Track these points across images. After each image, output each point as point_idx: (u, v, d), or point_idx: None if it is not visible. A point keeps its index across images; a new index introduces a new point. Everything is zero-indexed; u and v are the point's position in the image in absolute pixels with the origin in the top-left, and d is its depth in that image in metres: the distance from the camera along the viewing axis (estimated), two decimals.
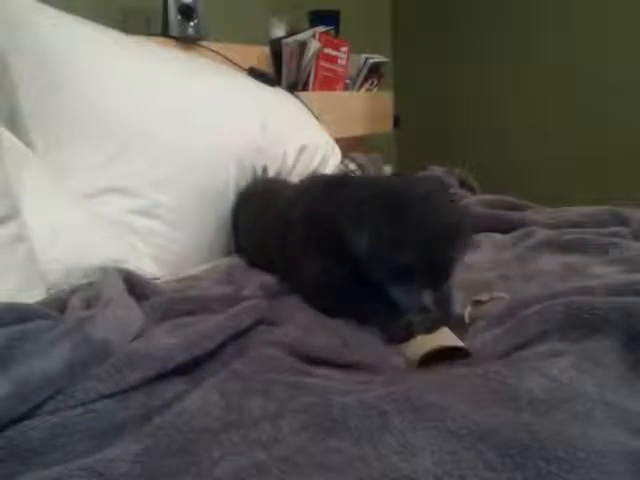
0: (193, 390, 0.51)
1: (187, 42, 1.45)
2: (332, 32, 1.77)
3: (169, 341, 0.57)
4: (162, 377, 0.53)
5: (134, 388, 0.51)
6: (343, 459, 0.41)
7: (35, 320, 0.58)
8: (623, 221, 1.03)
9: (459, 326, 0.67)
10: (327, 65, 1.74)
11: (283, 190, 1.05)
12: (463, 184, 1.46)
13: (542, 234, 1.01)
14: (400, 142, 2.64)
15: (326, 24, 1.75)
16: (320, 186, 0.83)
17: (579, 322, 0.59)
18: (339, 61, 1.77)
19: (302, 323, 0.70)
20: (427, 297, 0.66)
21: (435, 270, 0.66)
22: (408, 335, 0.64)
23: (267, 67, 1.67)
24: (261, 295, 0.77)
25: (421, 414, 0.44)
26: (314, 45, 1.67)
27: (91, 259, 0.81)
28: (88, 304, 0.66)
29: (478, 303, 0.74)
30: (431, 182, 0.72)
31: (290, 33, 1.72)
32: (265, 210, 0.98)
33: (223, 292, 0.78)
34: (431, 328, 0.64)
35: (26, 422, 0.46)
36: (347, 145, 1.58)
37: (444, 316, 0.67)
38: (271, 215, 0.94)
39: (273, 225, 0.92)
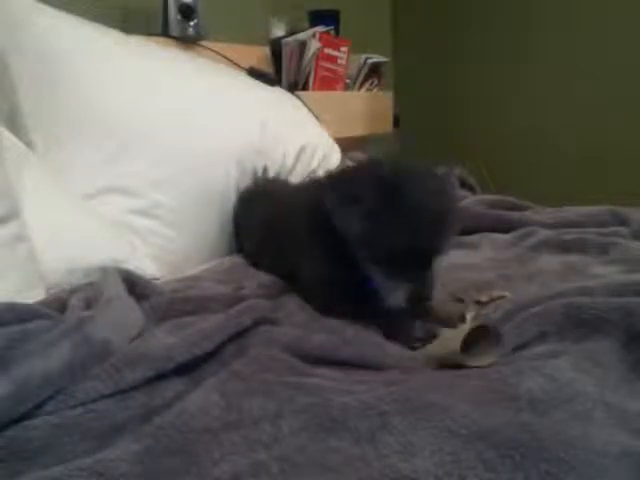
0: (193, 390, 0.51)
1: (187, 42, 1.45)
2: (332, 32, 1.77)
3: (169, 341, 0.57)
4: (162, 377, 0.53)
5: (134, 388, 0.51)
6: (343, 459, 0.41)
7: (35, 320, 0.58)
8: (623, 221, 1.03)
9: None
10: (327, 65, 1.74)
11: (284, 190, 1.05)
12: (463, 184, 1.46)
13: (542, 234, 1.01)
14: (400, 142, 2.64)
15: (326, 24, 1.74)
16: (318, 184, 0.83)
17: (579, 322, 0.59)
18: (339, 61, 1.77)
19: (302, 323, 0.70)
20: (400, 295, 0.67)
21: (418, 258, 0.66)
22: (409, 341, 0.65)
23: (267, 67, 1.67)
24: (261, 295, 0.77)
25: (421, 414, 0.44)
26: (314, 45, 1.67)
27: (91, 259, 0.81)
28: (88, 304, 0.66)
29: (479, 304, 0.74)
30: (424, 168, 0.72)
31: (290, 33, 1.72)
32: (266, 210, 0.98)
33: (223, 292, 0.78)
34: (431, 332, 0.65)
35: (26, 422, 0.46)
36: (347, 145, 1.58)
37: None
38: (272, 215, 0.95)
39: (274, 225, 0.92)
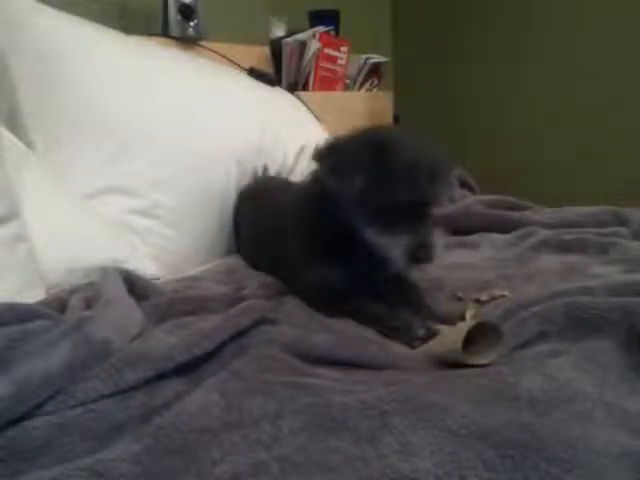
0: (193, 390, 0.51)
1: (187, 42, 1.45)
2: (332, 32, 1.77)
3: (169, 341, 0.57)
4: (162, 377, 0.53)
5: (134, 388, 0.51)
6: (343, 459, 0.41)
7: (35, 320, 0.58)
8: (623, 221, 1.03)
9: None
10: (327, 65, 1.74)
11: (283, 189, 1.05)
12: (463, 184, 1.46)
13: (542, 234, 1.01)
14: None
15: (326, 24, 1.74)
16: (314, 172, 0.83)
17: (579, 322, 0.59)
18: (339, 61, 1.77)
19: (302, 322, 0.70)
20: (399, 245, 0.67)
21: (416, 209, 0.68)
22: (409, 339, 0.65)
23: (267, 67, 1.67)
24: (261, 295, 0.77)
25: (421, 414, 0.44)
26: (314, 45, 1.67)
27: (91, 259, 0.81)
28: (88, 304, 0.66)
29: (478, 303, 0.75)
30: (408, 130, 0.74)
31: (290, 33, 1.72)
32: (266, 210, 0.98)
33: (223, 292, 0.78)
34: (431, 330, 0.65)
35: (26, 422, 0.46)
36: None
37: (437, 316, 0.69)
38: (272, 215, 0.94)
39: (274, 225, 0.92)
